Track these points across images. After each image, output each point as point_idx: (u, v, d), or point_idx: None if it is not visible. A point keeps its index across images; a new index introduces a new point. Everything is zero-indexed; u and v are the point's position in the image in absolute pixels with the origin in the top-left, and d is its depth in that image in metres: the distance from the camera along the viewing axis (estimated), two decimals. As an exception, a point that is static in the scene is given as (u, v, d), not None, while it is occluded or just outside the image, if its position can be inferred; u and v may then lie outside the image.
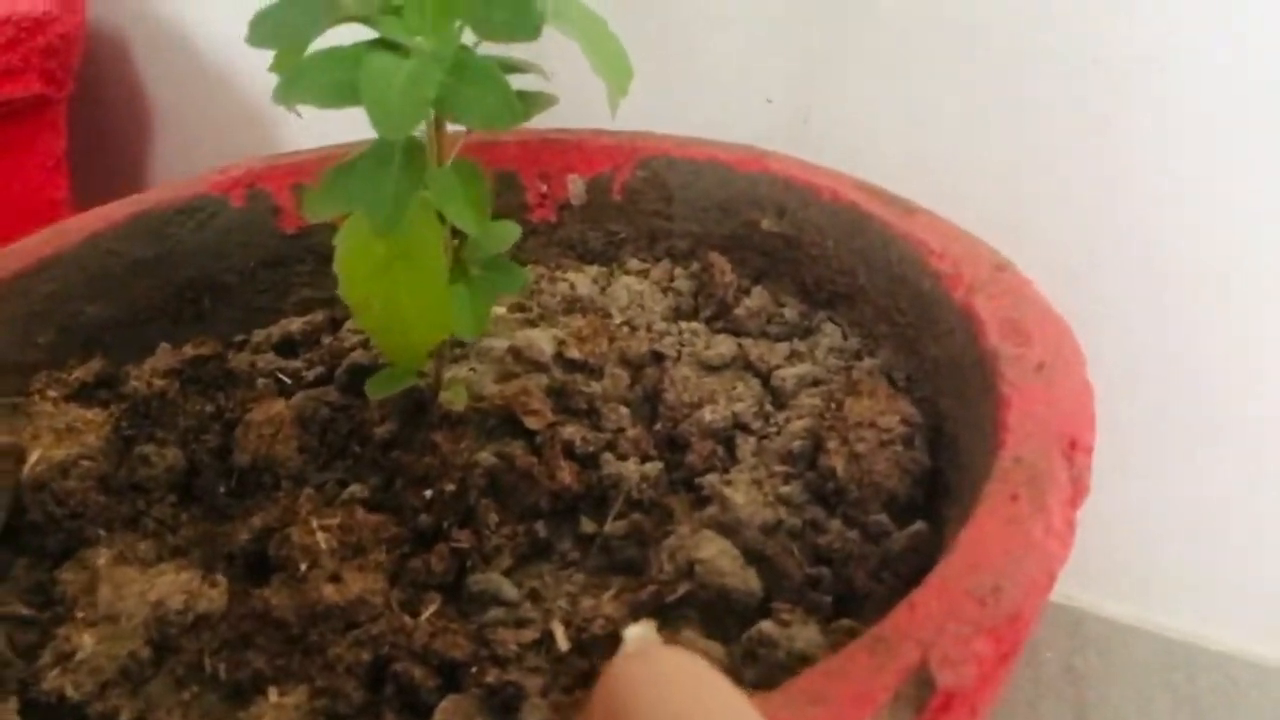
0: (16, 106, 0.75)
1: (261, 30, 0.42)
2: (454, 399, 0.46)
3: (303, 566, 0.39)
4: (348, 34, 0.41)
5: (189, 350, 0.52)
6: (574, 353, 0.51)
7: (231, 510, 0.47)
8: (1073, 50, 0.54)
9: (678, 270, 0.59)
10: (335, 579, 0.39)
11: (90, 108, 0.89)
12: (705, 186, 0.59)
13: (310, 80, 0.38)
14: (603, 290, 0.58)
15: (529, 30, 0.41)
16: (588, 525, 0.44)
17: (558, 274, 0.60)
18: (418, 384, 0.47)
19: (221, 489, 0.48)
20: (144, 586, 0.40)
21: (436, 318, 0.41)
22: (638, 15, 0.65)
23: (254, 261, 0.60)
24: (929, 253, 0.49)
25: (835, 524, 0.42)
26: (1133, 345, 0.61)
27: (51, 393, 0.50)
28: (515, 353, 0.50)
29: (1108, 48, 0.53)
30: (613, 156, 0.61)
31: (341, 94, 0.38)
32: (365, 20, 0.42)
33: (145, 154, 0.96)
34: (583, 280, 0.59)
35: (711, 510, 0.42)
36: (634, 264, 0.61)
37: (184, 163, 0.94)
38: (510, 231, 0.47)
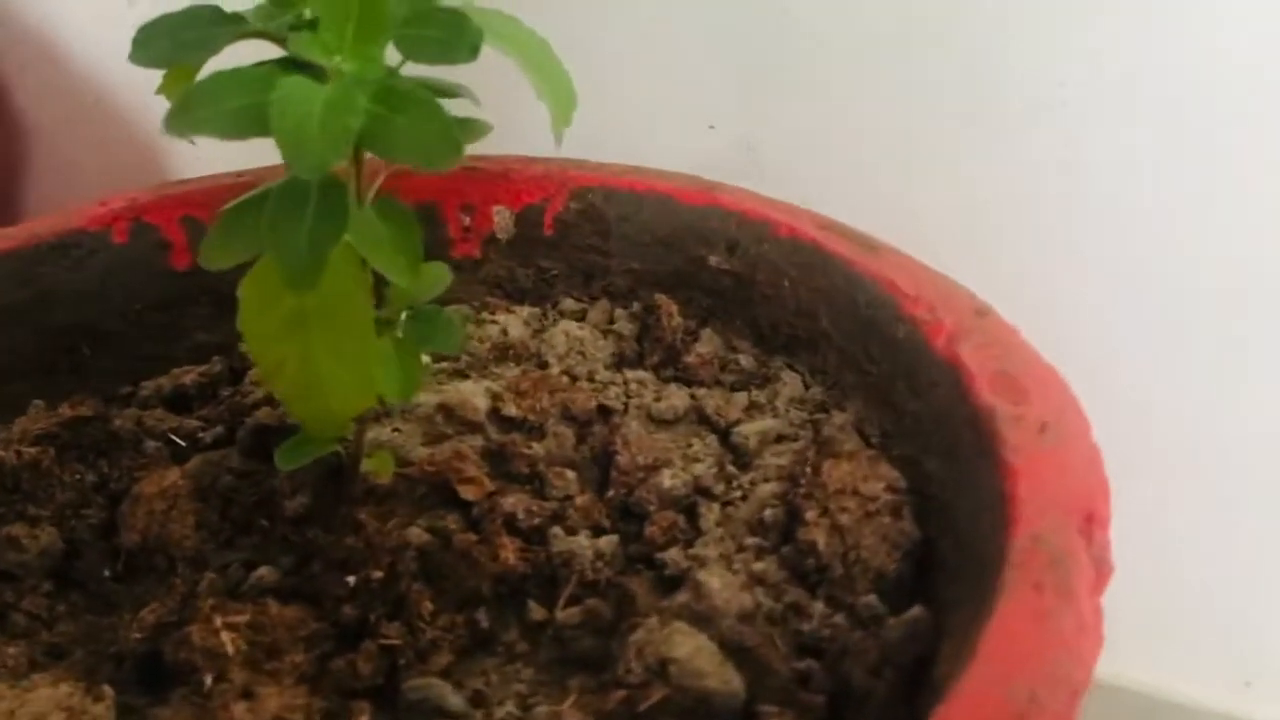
0: None
1: (148, 48, 0.36)
2: (379, 469, 0.40)
3: (207, 679, 0.33)
4: (248, 54, 0.35)
5: (65, 410, 0.46)
6: (512, 409, 0.45)
7: (118, 599, 0.41)
8: (1039, 80, 0.50)
9: (618, 311, 0.54)
10: (247, 694, 0.33)
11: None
12: (646, 220, 0.54)
13: (209, 108, 0.32)
14: (536, 334, 0.53)
15: (466, 50, 0.35)
16: (536, 611, 0.39)
17: (485, 316, 0.55)
18: (336, 450, 0.41)
19: (106, 573, 0.42)
20: (13, 705, 0.34)
21: (361, 382, 0.36)
22: (564, 32, 0.60)
23: (140, 304, 0.53)
24: (902, 296, 0.45)
25: (819, 607, 0.37)
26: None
27: (-100, 464, 0.43)
28: (446, 411, 0.44)
29: (1072, 84, 0.50)
30: (543, 187, 0.56)
31: (247, 123, 0.32)
32: (273, 37, 0.36)
33: (19, 184, 0.88)
34: (515, 323, 0.53)
35: (683, 597, 0.37)
36: (569, 304, 0.55)
37: (64, 191, 0.86)
38: (440, 275, 0.41)
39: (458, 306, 0.56)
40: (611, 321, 0.54)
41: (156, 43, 0.36)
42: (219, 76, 0.32)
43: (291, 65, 0.32)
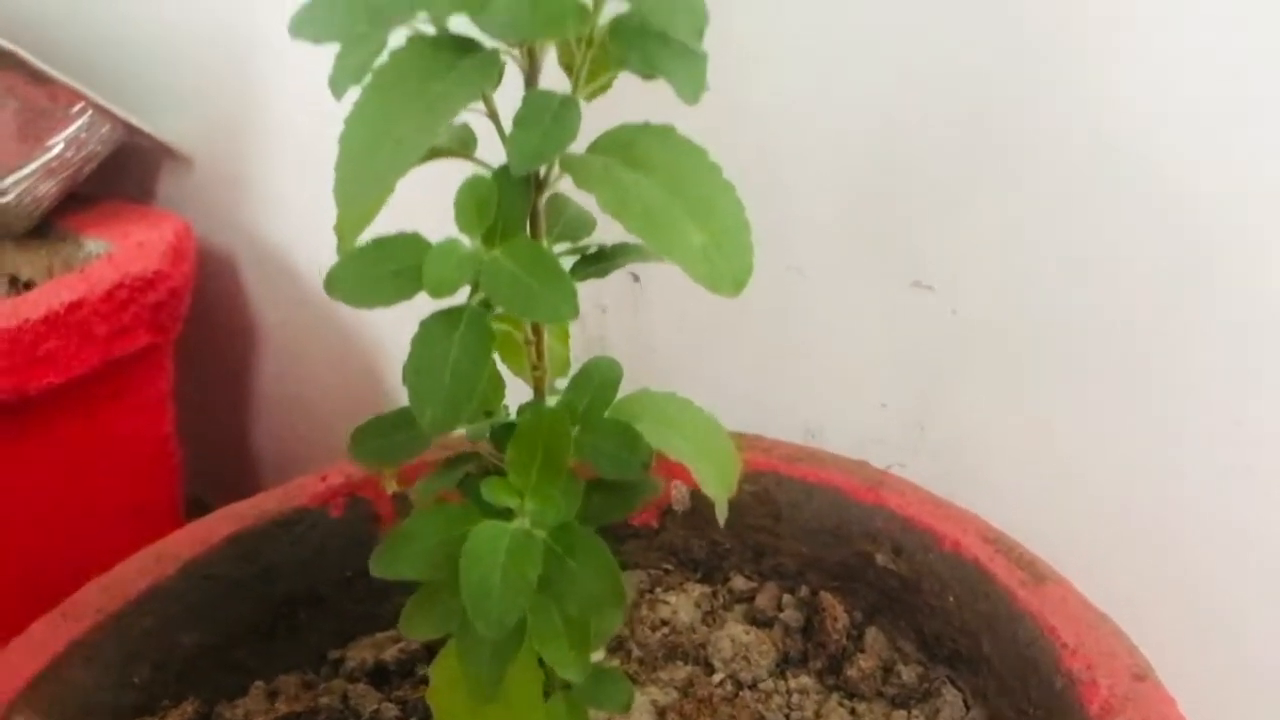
0: (124, 359, 0.76)
1: (364, 449, 0.40)
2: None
3: None
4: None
5: (281, 707, 0.51)
6: (677, 733, 0.48)
7: None
8: (1214, 406, 0.50)
9: (786, 597, 0.56)
10: None
11: (198, 327, 0.90)
12: (816, 509, 0.56)
13: (409, 546, 0.36)
14: (706, 618, 0.56)
15: (637, 467, 0.39)
16: None
17: (658, 593, 0.58)
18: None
19: None
20: None
21: (534, 763, 0.39)
22: (752, 312, 0.63)
23: (351, 570, 0.59)
24: (1061, 645, 0.45)
25: None
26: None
27: (144, 749, 0.49)
28: (615, 737, 0.48)
29: (1253, 407, 0.49)
30: (719, 467, 0.58)
31: (438, 564, 0.36)
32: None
33: (252, 376, 0.97)
34: (685, 605, 0.56)
35: None
36: (739, 582, 0.58)
37: (290, 383, 0.95)
38: (610, 625, 0.45)
39: (631, 572, 0.60)
40: (780, 607, 0.56)
41: (369, 444, 0.40)
42: (421, 517, 0.37)
43: (484, 508, 0.36)
